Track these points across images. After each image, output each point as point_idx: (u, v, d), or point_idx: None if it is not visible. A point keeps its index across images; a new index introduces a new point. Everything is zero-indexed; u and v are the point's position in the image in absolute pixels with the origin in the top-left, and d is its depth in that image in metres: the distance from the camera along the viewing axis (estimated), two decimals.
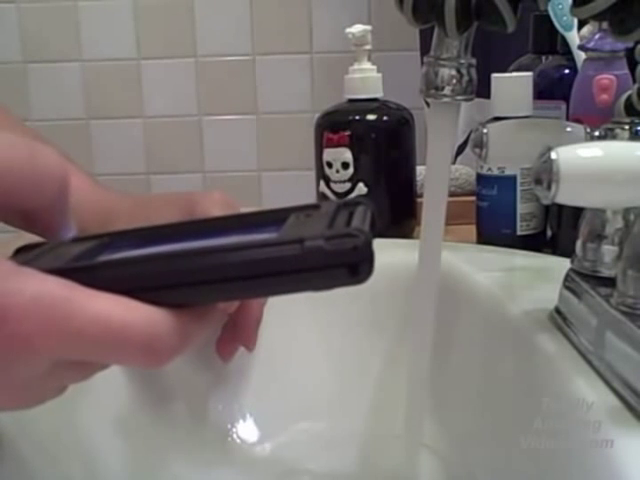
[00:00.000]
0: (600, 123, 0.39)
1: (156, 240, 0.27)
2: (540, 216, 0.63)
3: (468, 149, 0.85)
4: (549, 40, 0.68)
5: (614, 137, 0.38)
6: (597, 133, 0.39)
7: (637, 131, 0.37)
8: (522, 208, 0.62)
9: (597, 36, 0.57)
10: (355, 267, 0.23)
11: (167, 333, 0.24)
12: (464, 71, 0.38)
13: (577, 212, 0.39)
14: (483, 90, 0.54)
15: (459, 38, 0.37)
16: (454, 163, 0.87)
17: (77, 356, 0.24)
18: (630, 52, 0.55)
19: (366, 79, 0.68)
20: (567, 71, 0.65)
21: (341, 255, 0.23)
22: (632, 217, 0.36)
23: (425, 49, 0.40)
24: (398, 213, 0.69)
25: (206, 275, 0.24)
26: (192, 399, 0.50)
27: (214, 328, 0.48)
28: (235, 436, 0.51)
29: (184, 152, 1.25)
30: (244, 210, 0.47)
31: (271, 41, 1.21)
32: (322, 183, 0.69)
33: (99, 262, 0.26)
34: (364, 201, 0.27)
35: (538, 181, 0.32)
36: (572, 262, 0.40)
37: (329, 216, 0.26)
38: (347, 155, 0.67)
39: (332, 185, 0.68)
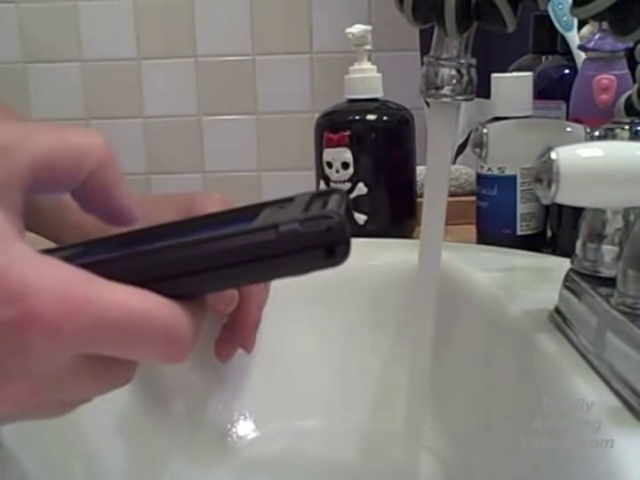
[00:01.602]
0: (600, 123, 0.39)
1: (134, 242, 0.27)
2: (540, 216, 0.63)
3: (468, 149, 0.85)
4: (549, 40, 0.68)
5: (614, 137, 0.38)
6: (597, 133, 0.39)
7: (637, 131, 0.37)
8: (522, 208, 0.62)
9: (597, 36, 0.57)
10: (331, 248, 0.23)
11: (187, 322, 0.24)
12: (464, 71, 0.38)
13: (577, 212, 0.39)
14: (483, 90, 0.54)
15: (459, 38, 0.37)
16: (454, 163, 0.87)
17: (96, 344, 0.24)
18: (630, 52, 0.55)
19: (366, 79, 0.68)
20: (567, 71, 0.65)
21: (316, 236, 0.23)
22: (632, 217, 0.36)
23: (425, 49, 0.40)
24: (398, 213, 0.69)
25: (184, 267, 0.24)
26: (192, 399, 0.50)
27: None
28: (235, 436, 0.51)
29: (184, 152, 1.25)
30: None
31: (271, 41, 1.20)
32: (322, 183, 0.69)
33: (104, 258, 0.25)
34: (338, 190, 0.27)
35: (538, 181, 0.31)
36: (572, 262, 0.40)
37: (303, 204, 0.26)
38: (347, 155, 0.67)
39: (332, 185, 0.68)
